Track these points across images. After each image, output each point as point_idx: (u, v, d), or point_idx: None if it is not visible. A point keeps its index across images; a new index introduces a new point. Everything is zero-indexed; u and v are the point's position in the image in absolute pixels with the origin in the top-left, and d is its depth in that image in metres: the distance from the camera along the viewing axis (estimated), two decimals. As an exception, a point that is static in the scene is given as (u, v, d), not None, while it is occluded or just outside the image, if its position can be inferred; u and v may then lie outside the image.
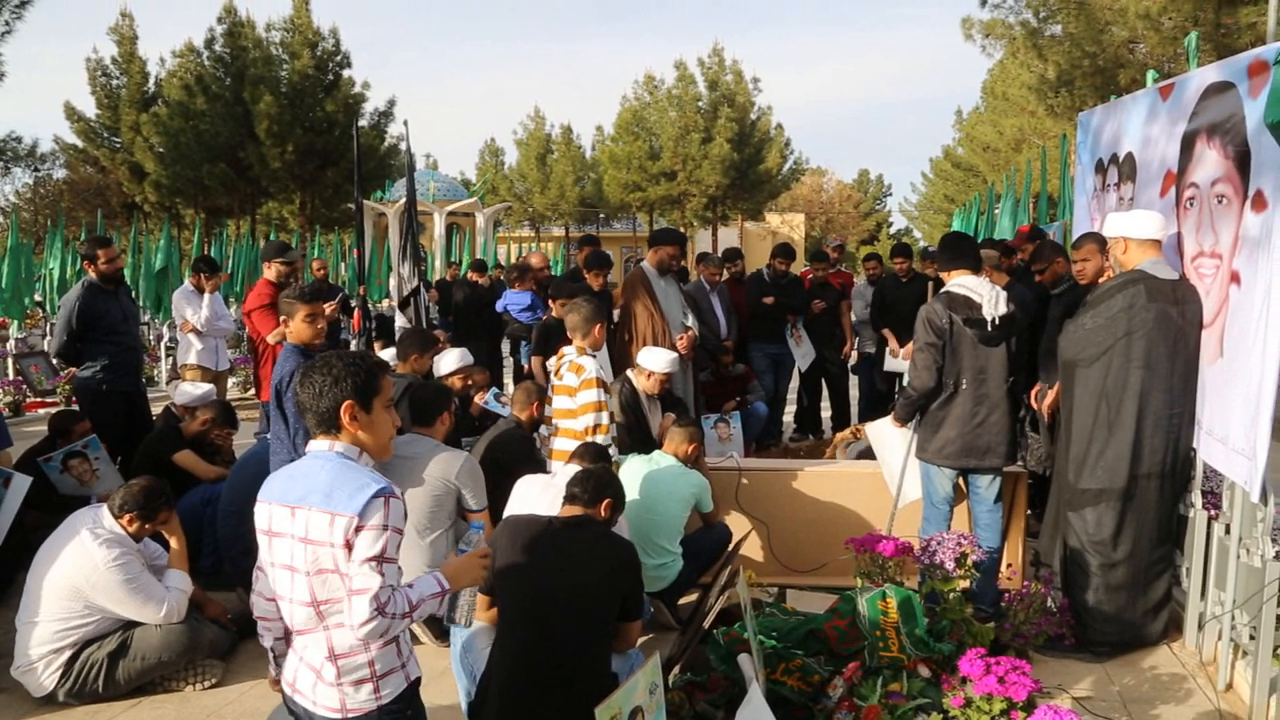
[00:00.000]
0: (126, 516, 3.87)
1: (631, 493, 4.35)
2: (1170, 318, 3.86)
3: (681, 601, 4.56)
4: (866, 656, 3.46)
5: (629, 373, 5.42)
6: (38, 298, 15.65)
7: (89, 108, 27.97)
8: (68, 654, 3.73)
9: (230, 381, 10.21)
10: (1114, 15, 13.21)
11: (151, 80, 27.91)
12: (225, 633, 4.15)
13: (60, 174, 32.47)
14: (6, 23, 13.24)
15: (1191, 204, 3.99)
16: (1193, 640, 4.10)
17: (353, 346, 7.72)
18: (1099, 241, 4.61)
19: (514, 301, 8.36)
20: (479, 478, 4.27)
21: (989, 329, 4.22)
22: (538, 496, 3.92)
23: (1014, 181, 12.99)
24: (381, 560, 2.11)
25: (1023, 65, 17.48)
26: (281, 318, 4.13)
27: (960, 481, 4.49)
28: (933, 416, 4.37)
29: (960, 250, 4.47)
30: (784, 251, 8.03)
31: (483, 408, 6.11)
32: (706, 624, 3.55)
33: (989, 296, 4.25)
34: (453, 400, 4.63)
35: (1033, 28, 14.73)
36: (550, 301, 7.09)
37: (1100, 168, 5.26)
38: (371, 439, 2.30)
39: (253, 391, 7.26)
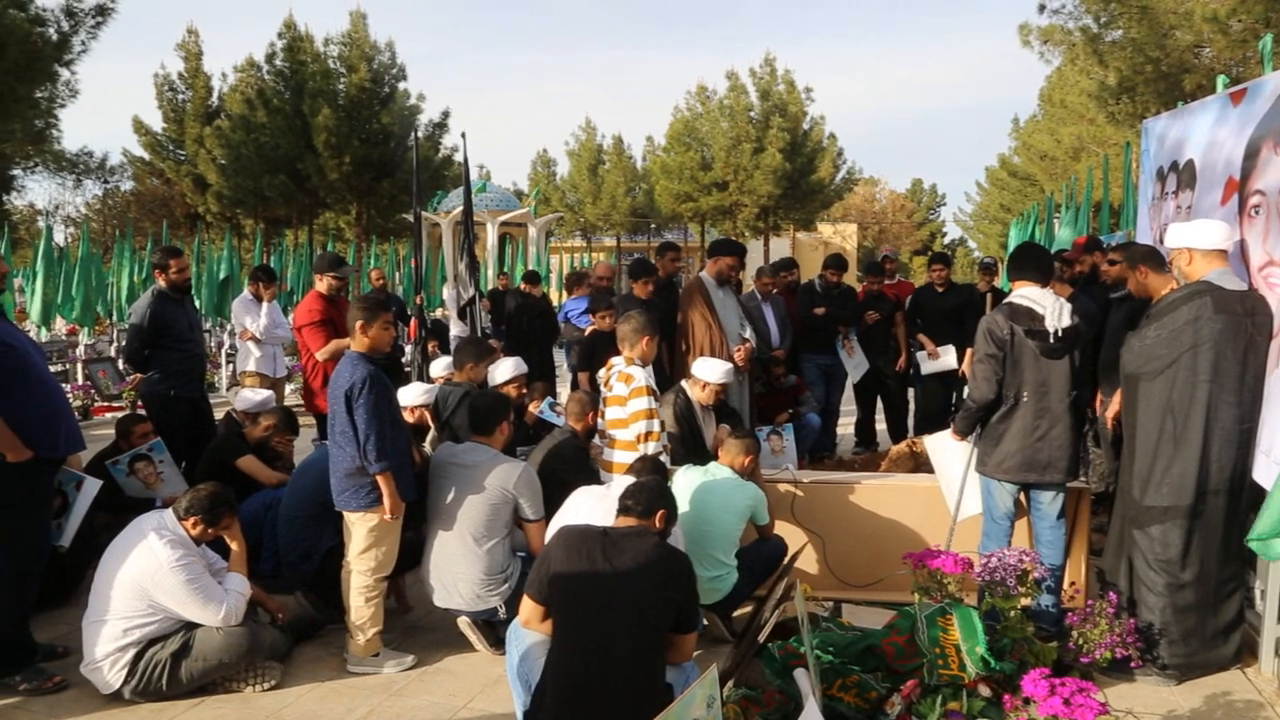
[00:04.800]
0: (191, 519, 3.96)
1: (685, 504, 4.34)
2: (1241, 328, 3.74)
3: (736, 614, 4.53)
4: (925, 674, 3.40)
5: (684, 383, 5.41)
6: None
7: (156, 122, 28.93)
8: (132, 652, 3.82)
9: (288, 388, 10.42)
10: (1178, 19, 12.86)
11: (215, 94, 28.76)
12: (284, 636, 4.22)
13: (128, 186, 33.47)
14: (83, 43, 13.77)
15: (1257, 212, 3.87)
16: (1269, 665, 3.95)
17: (408, 354, 7.83)
18: (1134, 255, 4.45)
19: (572, 308, 8.47)
20: (537, 488, 4.29)
21: (1051, 341, 4.13)
22: (591, 508, 3.92)
23: (1074, 191, 12.73)
24: None
25: (1082, 72, 17.09)
26: (358, 323, 4.12)
27: (1021, 497, 4.40)
28: (993, 430, 4.29)
29: (1024, 261, 4.38)
30: (836, 263, 8.00)
31: (538, 417, 6.15)
32: (761, 638, 3.52)
33: (1052, 308, 4.16)
34: (510, 409, 4.66)
35: (1093, 33, 14.43)
36: (592, 314, 7.13)
37: (1160, 175, 5.14)
38: None
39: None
